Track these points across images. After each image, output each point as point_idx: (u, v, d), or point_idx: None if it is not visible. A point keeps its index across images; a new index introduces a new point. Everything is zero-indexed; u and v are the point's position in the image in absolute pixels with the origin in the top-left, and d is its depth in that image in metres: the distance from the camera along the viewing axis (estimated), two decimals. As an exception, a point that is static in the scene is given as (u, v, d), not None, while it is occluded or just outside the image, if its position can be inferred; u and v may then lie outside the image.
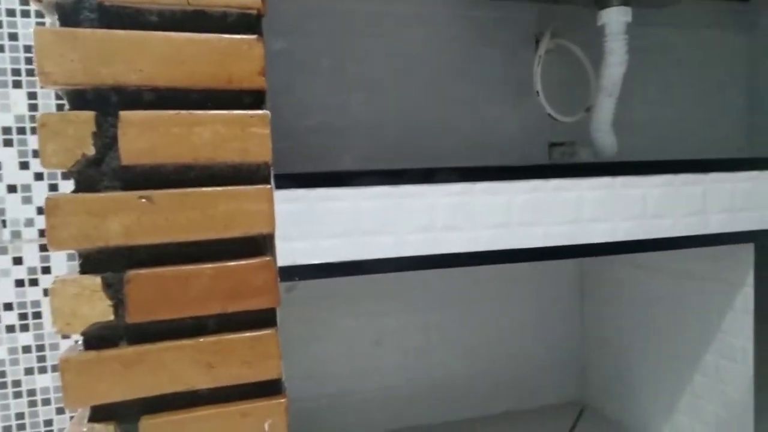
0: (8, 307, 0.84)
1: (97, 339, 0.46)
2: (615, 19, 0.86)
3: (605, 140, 0.94)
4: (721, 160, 0.73)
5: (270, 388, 0.50)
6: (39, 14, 0.84)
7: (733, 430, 0.83)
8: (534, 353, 1.14)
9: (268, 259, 0.50)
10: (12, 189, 0.84)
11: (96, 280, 0.46)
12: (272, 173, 0.51)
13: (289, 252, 0.55)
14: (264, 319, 0.50)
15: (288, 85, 0.94)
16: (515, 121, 1.08)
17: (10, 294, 0.84)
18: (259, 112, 0.49)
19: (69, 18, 0.46)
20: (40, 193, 0.85)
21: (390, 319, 1.04)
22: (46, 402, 0.86)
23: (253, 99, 0.50)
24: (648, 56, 1.13)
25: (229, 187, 0.48)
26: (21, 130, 0.84)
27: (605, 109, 0.92)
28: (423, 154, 1.02)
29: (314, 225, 0.56)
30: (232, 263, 0.49)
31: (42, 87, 0.45)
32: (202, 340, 0.48)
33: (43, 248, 0.84)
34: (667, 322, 0.94)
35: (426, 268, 0.62)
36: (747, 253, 0.79)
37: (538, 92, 0.96)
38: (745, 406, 0.81)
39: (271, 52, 0.88)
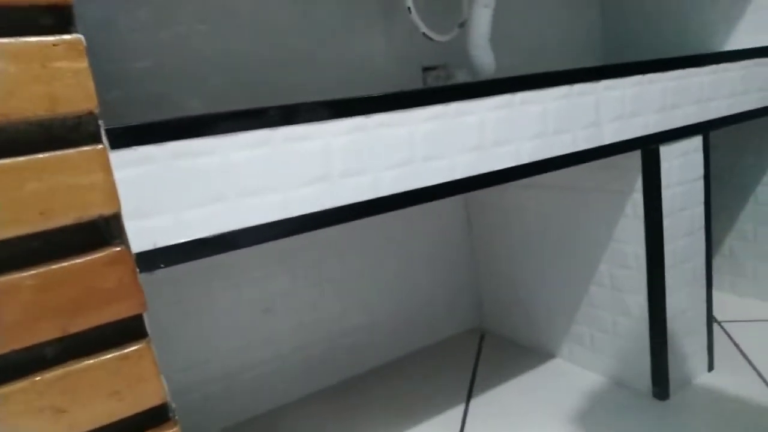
0: None
1: None
2: None
3: (484, 58, 0.88)
4: (612, 66, 0.70)
5: (153, 419, 0.37)
6: None
7: (629, 335, 0.86)
8: (429, 289, 1.10)
9: (118, 249, 0.36)
10: None
11: None
12: (103, 128, 0.36)
13: (145, 233, 0.41)
14: (128, 330, 0.37)
15: (106, 18, 0.74)
16: (384, 45, 0.98)
17: None
18: (68, 37, 0.33)
19: None
20: None
21: (277, 282, 0.92)
22: None
23: (56, 19, 0.33)
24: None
25: (38, 156, 0.33)
26: None
27: (482, 21, 0.85)
28: (284, 91, 0.88)
29: (173, 192, 0.42)
30: (65, 264, 0.34)
31: None
32: (39, 378, 0.34)
33: None
34: (559, 238, 0.94)
35: (323, 226, 0.51)
36: (634, 159, 0.79)
37: (409, 9, 0.86)
38: (641, 309, 0.83)
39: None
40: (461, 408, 0.88)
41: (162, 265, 0.42)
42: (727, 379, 0.86)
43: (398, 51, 0.99)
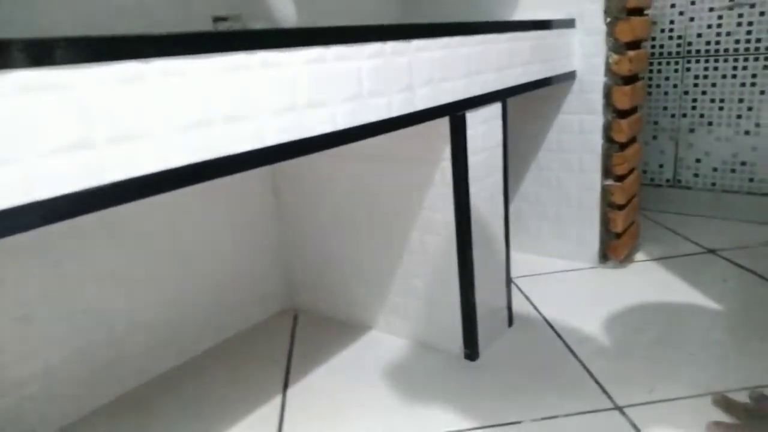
0: None
1: None
2: None
3: (284, 8, 0.78)
4: (423, 25, 0.66)
5: None
6: None
7: (441, 301, 0.86)
8: (233, 272, 0.99)
9: None
10: None
11: None
12: None
13: None
14: None
15: None
16: (164, -12, 0.82)
17: None
18: None
19: None
20: None
21: (37, 282, 0.73)
22: None
23: None
24: None
25: None
26: None
27: (282, -31, 0.75)
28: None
29: None
30: None
31: None
32: None
33: None
34: (371, 209, 0.90)
35: (88, 212, 0.38)
36: (442, 127, 0.77)
37: (194, -57, 0.72)
38: (451, 275, 0.84)
39: None
40: (278, 399, 0.80)
41: None
42: (525, 332, 0.93)
43: (182, -4, 0.84)
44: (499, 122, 0.85)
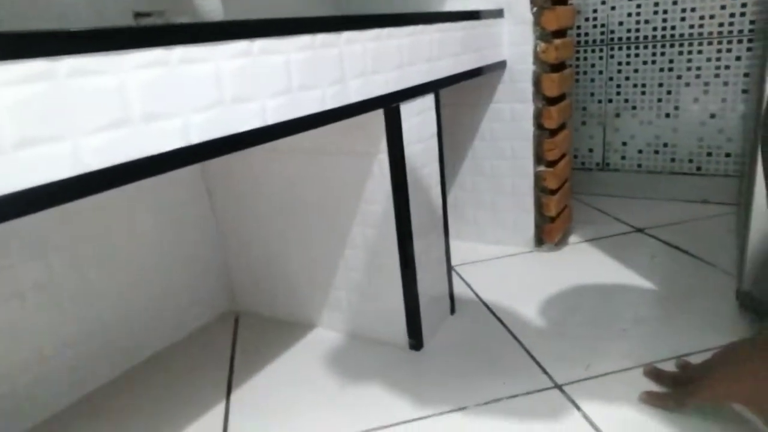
0: None
1: None
2: None
3: (210, 3, 0.75)
4: (351, 17, 0.65)
5: None
6: None
7: (382, 294, 0.86)
8: (169, 275, 0.95)
9: None
10: None
11: None
12: None
13: None
14: None
15: None
16: (77, -20, 0.77)
17: None
18: None
19: None
20: None
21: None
22: None
23: None
24: None
25: None
26: None
27: (203, -41, 0.72)
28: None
29: None
30: None
31: None
32: None
33: None
34: (310, 205, 0.89)
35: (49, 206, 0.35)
36: (378, 119, 0.77)
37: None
38: (392, 266, 0.84)
39: None
40: (222, 406, 0.78)
41: None
42: (467, 318, 0.94)
43: (97, -11, 0.80)
44: (433, 113, 0.85)
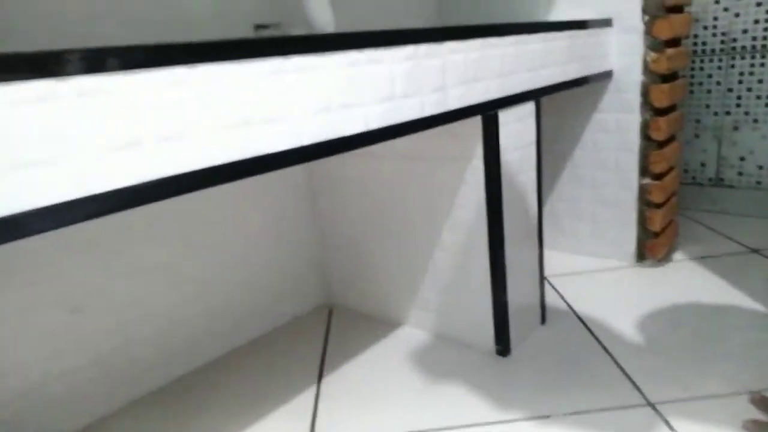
0: None
1: None
2: None
3: (322, 16, 0.81)
4: (456, 28, 0.68)
5: None
6: None
7: (473, 297, 0.87)
8: (271, 268, 1.02)
9: None
10: None
11: None
12: None
13: None
14: None
15: None
16: (209, -4, 0.86)
17: None
18: None
19: None
20: None
21: (87, 275, 0.78)
22: None
23: None
24: None
25: None
26: None
27: (319, -25, 0.78)
28: (79, 41, 0.73)
29: None
30: None
31: None
32: None
33: None
34: (403, 207, 0.92)
35: (136, 205, 0.41)
36: (475, 126, 0.79)
37: (236, -47, 0.75)
38: (483, 271, 0.85)
39: None
40: (313, 390, 0.83)
41: None
42: (558, 330, 0.93)
43: (224, 5, 0.88)
44: (533, 121, 0.86)
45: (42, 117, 0.35)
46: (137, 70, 0.39)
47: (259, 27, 0.93)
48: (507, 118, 0.80)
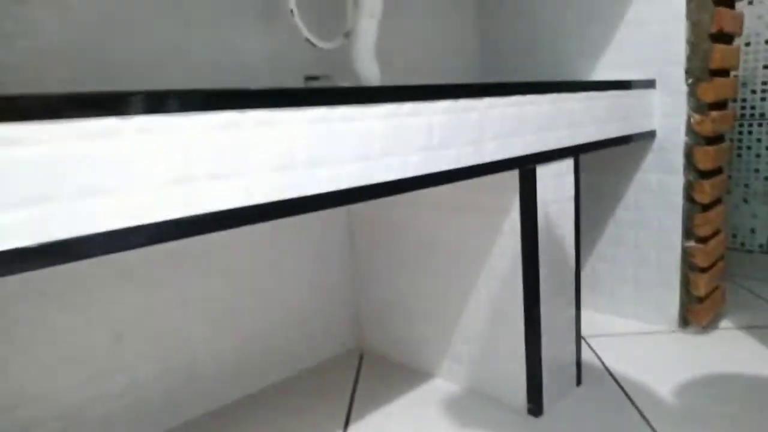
0: None
1: None
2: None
3: (368, 70, 0.85)
4: (494, 84, 0.70)
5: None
6: None
7: (504, 353, 0.86)
8: (306, 308, 1.04)
9: None
10: None
11: None
12: None
13: (-61, 239, 0.32)
14: None
15: None
16: (262, 48, 0.92)
17: None
18: None
19: None
20: None
21: (131, 303, 0.81)
22: None
23: None
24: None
25: None
26: None
27: (367, 32, 0.83)
28: (142, 85, 0.79)
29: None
30: None
31: None
32: None
33: None
34: (439, 256, 0.93)
35: (186, 236, 0.44)
36: (512, 179, 0.80)
37: (292, 11, 0.81)
38: (516, 326, 0.84)
39: None
40: (339, 436, 0.82)
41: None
42: (594, 392, 0.90)
43: (278, 56, 0.94)
44: (571, 177, 0.86)
45: (106, 150, 0.38)
46: (194, 113, 0.42)
47: (309, 78, 0.98)
48: (545, 173, 0.80)
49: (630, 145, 1.08)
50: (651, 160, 1.09)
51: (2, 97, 0.34)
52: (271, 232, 0.97)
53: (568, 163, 0.85)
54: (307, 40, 0.84)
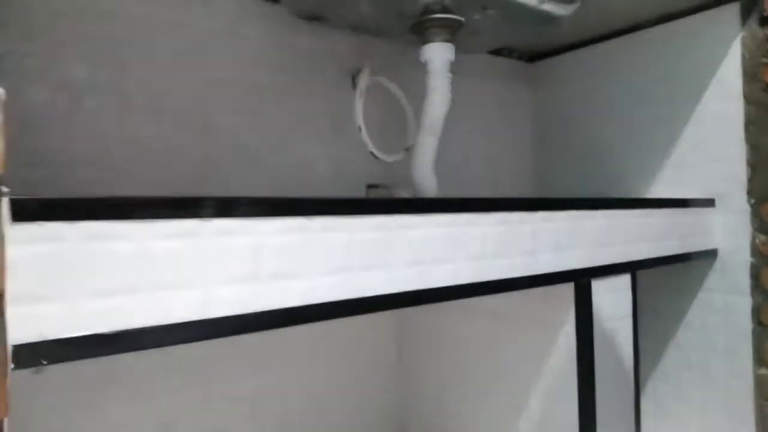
0: None
1: None
2: (438, 57, 0.83)
3: (426, 183, 0.89)
4: (548, 199, 0.72)
5: None
6: None
7: (561, 477, 0.81)
8: (352, 410, 1.02)
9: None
10: None
11: None
12: (5, 195, 0.31)
13: (32, 320, 0.35)
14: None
15: (48, 101, 0.72)
16: (329, 158, 0.99)
17: None
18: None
19: None
20: None
21: (181, 396, 0.83)
22: None
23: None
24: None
25: None
26: None
27: (427, 148, 0.88)
28: (220, 188, 0.86)
29: (77, 277, 0.37)
30: None
31: None
32: None
33: None
34: (490, 367, 0.91)
35: (245, 332, 0.46)
36: (567, 291, 0.79)
37: (360, 128, 0.88)
38: (573, 449, 0.79)
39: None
40: None
41: (44, 362, 0.35)
42: None
43: (344, 165, 1.00)
44: (629, 293, 0.85)
45: (181, 250, 0.42)
46: (263, 218, 0.46)
47: (370, 186, 1.04)
48: (600, 287, 0.79)
49: (691, 264, 1.05)
50: (714, 279, 1.05)
51: (103, 198, 0.39)
52: (323, 333, 0.98)
53: (625, 279, 0.84)
54: (371, 153, 0.90)
